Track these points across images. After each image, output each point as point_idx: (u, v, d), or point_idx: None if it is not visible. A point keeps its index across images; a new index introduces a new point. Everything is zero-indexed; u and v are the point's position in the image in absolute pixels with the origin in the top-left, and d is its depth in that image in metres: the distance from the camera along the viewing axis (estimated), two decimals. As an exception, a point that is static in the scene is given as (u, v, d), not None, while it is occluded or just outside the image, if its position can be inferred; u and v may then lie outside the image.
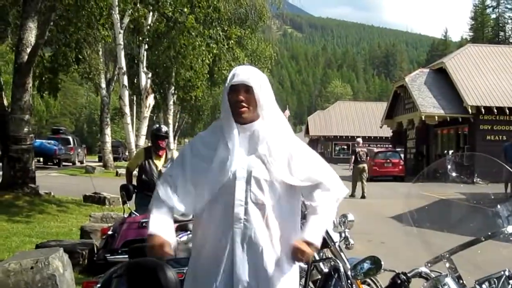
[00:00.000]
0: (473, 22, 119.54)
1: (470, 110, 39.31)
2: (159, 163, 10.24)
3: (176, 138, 62.46)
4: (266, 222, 3.68)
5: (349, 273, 5.12)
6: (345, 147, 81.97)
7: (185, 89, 35.03)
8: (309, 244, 3.66)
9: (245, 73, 3.72)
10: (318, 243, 3.73)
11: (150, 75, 33.08)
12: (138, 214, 9.18)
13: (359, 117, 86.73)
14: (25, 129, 17.90)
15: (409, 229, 4.07)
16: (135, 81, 38.67)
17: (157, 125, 11.02)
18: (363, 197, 25.66)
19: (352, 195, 24.54)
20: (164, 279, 4.13)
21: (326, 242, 5.68)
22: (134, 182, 10.50)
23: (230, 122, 3.73)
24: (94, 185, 19.39)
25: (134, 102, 50.33)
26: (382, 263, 3.77)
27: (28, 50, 17.68)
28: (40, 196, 18.23)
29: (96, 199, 19.20)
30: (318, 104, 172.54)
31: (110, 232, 9.32)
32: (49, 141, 45.37)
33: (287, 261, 3.75)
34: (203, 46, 22.72)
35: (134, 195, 9.89)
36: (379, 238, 14.01)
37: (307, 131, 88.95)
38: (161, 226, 3.74)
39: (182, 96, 39.71)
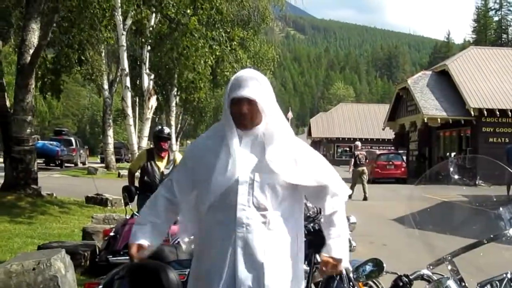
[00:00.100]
0: (475, 25, 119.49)
1: (472, 113, 39.27)
2: (161, 164, 10.25)
3: (179, 139, 62.49)
4: (268, 226, 3.67)
5: (351, 275, 5.13)
6: (348, 149, 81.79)
7: (187, 90, 35.09)
8: (337, 260, 3.69)
9: (246, 85, 3.66)
10: (346, 257, 3.77)
11: (152, 76, 33.13)
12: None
13: (362, 119, 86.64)
14: (28, 130, 17.91)
15: (411, 231, 4.07)
16: (138, 83, 38.72)
17: (160, 127, 11.01)
18: (365, 199, 25.67)
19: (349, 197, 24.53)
20: (166, 281, 4.13)
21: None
22: (136, 183, 10.50)
23: (232, 128, 3.72)
24: (96, 186, 19.36)
25: (137, 103, 50.37)
26: (384, 265, 3.76)
27: (31, 51, 17.69)
28: (42, 197, 18.24)
29: (98, 201, 19.20)
30: (321, 106, 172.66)
31: (112, 234, 9.31)
32: (51, 142, 45.46)
33: (291, 264, 3.76)
34: (205, 47, 22.70)
35: (136, 197, 9.89)
36: (381, 240, 14.00)
37: (309, 133, 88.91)
38: (140, 233, 3.89)
39: (185, 97, 39.79)
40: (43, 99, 48.19)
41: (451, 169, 4.15)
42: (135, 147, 32.48)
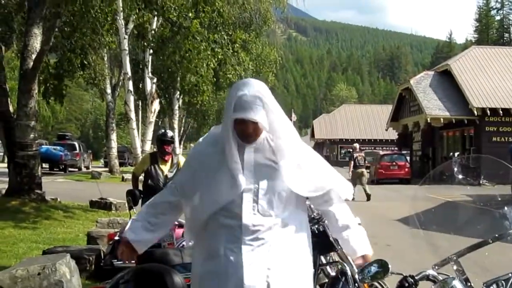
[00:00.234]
0: (477, 24, 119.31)
1: (475, 112, 39.26)
2: (165, 168, 10.25)
3: (182, 143, 62.55)
4: (274, 232, 3.68)
5: (356, 276, 5.12)
6: (351, 150, 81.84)
7: (190, 93, 35.06)
8: (366, 256, 3.89)
9: (250, 107, 3.59)
10: (369, 246, 3.96)
11: (155, 80, 33.09)
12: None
13: (365, 120, 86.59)
14: (31, 135, 17.93)
15: (415, 231, 4.07)
16: (140, 86, 38.69)
17: (163, 130, 11.02)
18: (368, 199, 25.67)
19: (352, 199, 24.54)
20: (171, 284, 4.14)
21: (333, 246, 5.67)
22: (140, 187, 10.50)
23: (234, 136, 3.70)
24: (100, 190, 19.37)
25: (140, 107, 50.40)
26: (390, 266, 3.76)
27: (34, 56, 17.71)
28: (46, 202, 18.25)
29: (103, 205, 19.20)
30: (323, 107, 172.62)
31: (116, 238, 9.31)
32: (55, 147, 45.49)
33: (299, 268, 3.76)
34: (208, 50, 22.71)
35: (140, 201, 9.89)
36: (385, 241, 13.98)
37: (312, 135, 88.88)
38: (133, 231, 3.99)
39: (188, 100, 39.77)
40: (46, 104, 48.19)
41: (455, 169, 4.15)
42: (139, 151, 32.44)
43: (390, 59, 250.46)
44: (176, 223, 8.58)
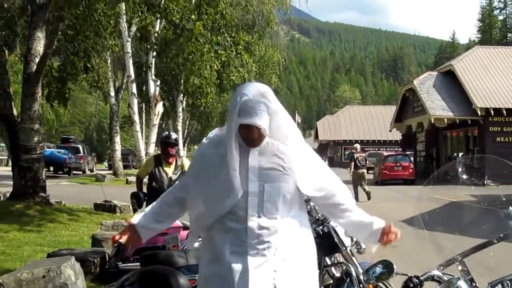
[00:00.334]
0: (480, 24, 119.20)
1: (479, 112, 39.20)
2: (169, 170, 10.25)
3: (186, 145, 62.56)
4: (280, 235, 3.68)
5: (361, 277, 5.13)
6: (354, 151, 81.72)
7: (194, 95, 35.14)
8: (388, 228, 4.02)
9: (255, 112, 3.59)
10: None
11: (158, 82, 33.21)
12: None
13: (368, 121, 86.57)
14: (35, 139, 17.93)
15: (420, 232, 4.07)
16: (144, 89, 38.81)
17: (167, 132, 11.00)
18: (369, 198, 25.65)
19: (356, 200, 24.55)
20: (176, 286, 4.14)
21: (338, 247, 5.68)
22: (145, 189, 10.51)
23: (239, 139, 3.71)
24: (105, 193, 19.36)
25: (143, 109, 50.51)
26: (395, 267, 3.76)
27: (37, 59, 17.72)
28: (51, 205, 18.25)
29: (107, 207, 19.20)
30: (327, 108, 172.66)
31: (121, 240, 9.31)
32: (59, 150, 45.56)
33: (304, 269, 3.78)
34: (211, 52, 22.76)
35: (144, 203, 9.89)
36: (390, 242, 13.96)
37: (316, 136, 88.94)
38: (140, 218, 4.09)
39: (192, 102, 39.81)
40: (50, 107, 48.27)
41: (459, 169, 4.14)
42: (143, 153, 32.57)
43: (393, 60, 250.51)
44: (181, 225, 8.59)
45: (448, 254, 3.73)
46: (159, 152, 11.62)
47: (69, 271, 7.45)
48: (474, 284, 3.63)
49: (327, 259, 5.89)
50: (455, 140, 45.49)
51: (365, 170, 27.44)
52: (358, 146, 29.66)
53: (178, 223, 8.73)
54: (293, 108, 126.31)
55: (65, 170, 45.47)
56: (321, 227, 5.77)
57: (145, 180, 10.70)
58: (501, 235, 3.67)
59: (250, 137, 3.65)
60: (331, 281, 5.86)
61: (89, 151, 55.24)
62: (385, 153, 49.50)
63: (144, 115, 51.23)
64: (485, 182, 4.37)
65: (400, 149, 55.72)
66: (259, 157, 3.70)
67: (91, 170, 51.79)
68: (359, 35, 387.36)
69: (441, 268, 3.72)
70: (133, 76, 32.33)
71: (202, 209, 3.80)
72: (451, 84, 42.92)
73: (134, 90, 32.34)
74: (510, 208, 3.80)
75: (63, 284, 7.28)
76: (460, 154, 39.13)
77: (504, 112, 39.30)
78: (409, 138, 51.11)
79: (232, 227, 3.66)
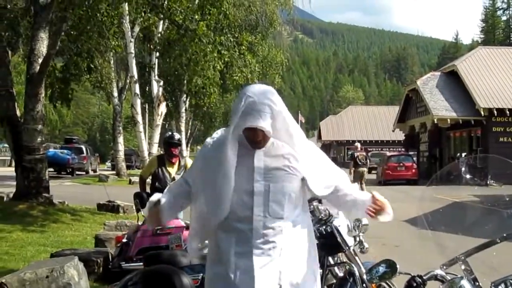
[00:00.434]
0: (484, 25, 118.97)
1: (482, 112, 39.14)
2: (172, 170, 10.26)
3: (189, 145, 62.54)
4: (285, 235, 3.69)
5: (364, 277, 5.14)
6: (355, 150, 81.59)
7: (197, 96, 35.13)
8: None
9: (259, 115, 3.61)
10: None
11: (161, 83, 33.21)
12: (152, 222, 9.17)
13: (371, 122, 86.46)
14: (38, 139, 17.95)
15: (423, 232, 4.06)
16: (147, 89, 38.81)
17: (170, 133, 11.03)
18: None
19: None
20: (179, 286, 4.15)
21: (341, 247, 5.69)
22: (148, 190, 10.52)
23: (243, 140, 3.73)
24: (108, 193, 19.37)
25: (146, 110, 50.49)
26: (398, 266, 3.76)
27: (40, 60, 17.74)
28: (54, 205, 18.27)
29: (110, 208, 19.21)
30: (330, 109, 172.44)
31: (124, 240, 9.33)
32: (62, 151, 45.60)
33: (308, 268, 3.79)
34: (214, 52, 22.74)
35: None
36: (393, 242, 13.97)
37: (319, 136, 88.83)
38: (165, 201, 3.99)
39: (195, 103, 39.80)
40: (53, 108, 48.23)
41: (462, 169, 4.14)
42: (146, 153, 32.56)
43: (396, 60, 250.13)
44: (184, 225, 8.60)
45: (451, 254, 3.73)
46: (162, 152, 11.64)
47: (73, 271, 7.46)
48: (477, 283, 3.63)
49: (330, 258, 5.90)
50: (458, 140, 45.44)
51: (365, 169, 27.38)
52: (358, 144, 29.68)
53: (181, 223, 8.74)
54: (296, 109, 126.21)
55: (68, 171, 45.54)
56: (324, 227, 5.78)
57: (148, 180, 10.72)
58: (504, 235, 3.67)
59: (255, 139, 3.66)
60: (334, 281, 5.87)
61: (92, 152, 55.29)
62: (388, 153, 49.42)
63: (147, 115, 51.20)
64: (488, 182, 4.36)
65: (403, 149, 55.63)
66: (264, 158, 3.72)
67: (94, 171, 51.85)
68: (362, 36, 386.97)
69: (444, 267, 3.72)
70: (136, 77, 32.34)
71: (204, 208, 3.80)
72: (454, 85, 42.87)
73: (137, 91, 32.34)
74: (513, 208, 3.80)
75: (66, 284, 7.28)
76: (463, 154, 39.05)
77: (507, 112, 39.25)
78: (412, 139, 51.06)
79: (237, 228, 3.67)
